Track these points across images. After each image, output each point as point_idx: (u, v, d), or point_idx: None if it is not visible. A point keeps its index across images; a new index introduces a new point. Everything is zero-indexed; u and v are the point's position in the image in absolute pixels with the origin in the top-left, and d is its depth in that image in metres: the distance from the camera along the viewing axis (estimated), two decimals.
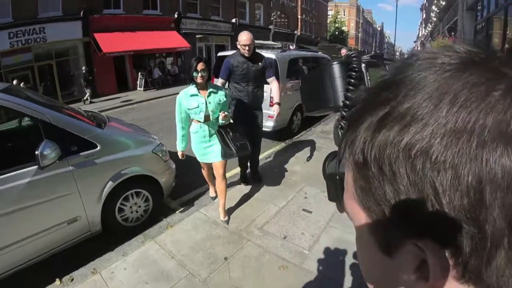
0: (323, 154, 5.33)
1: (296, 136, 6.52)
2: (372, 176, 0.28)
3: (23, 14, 11.57)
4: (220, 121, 3.08)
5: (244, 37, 3.65)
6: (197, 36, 19.18)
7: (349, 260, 2.73)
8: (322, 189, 4.07)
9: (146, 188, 3.38)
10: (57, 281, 2.60)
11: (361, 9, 70.87)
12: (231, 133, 3.18)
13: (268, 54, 6.54)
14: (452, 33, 17.75)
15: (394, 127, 0.26)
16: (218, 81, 3.84)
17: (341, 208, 0.39)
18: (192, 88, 3.02)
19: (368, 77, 0.55)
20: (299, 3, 33.85)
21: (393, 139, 0.26)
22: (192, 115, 3.09)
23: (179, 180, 3.91)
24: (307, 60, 7.70)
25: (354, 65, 0.53)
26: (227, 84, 3.91)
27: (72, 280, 2.62)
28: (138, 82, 15.22)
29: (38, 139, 2.43)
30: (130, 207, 3.27)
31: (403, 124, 0.26)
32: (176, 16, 17.33)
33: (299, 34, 33.25)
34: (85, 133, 2.81)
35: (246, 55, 3.70)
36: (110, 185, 2.97)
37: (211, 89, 3.08)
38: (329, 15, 48.80)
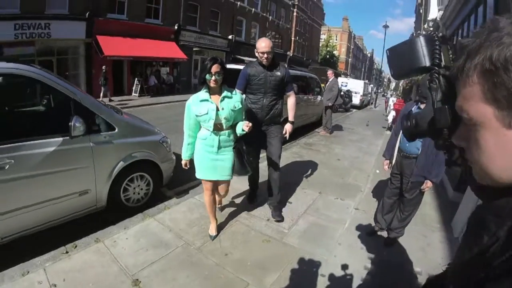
0: (305, 160, 5.96)
1: (283, 146, 7.10)
2: (502, 75, 0.43)
3: (31, 8, 11.86)
4: (240, 131, 2.81)
5: (263, 44, 3.34)
6: (194, 49, 19.85)
7: (320, 237, 3.29)
8: (302, 186, 4.65)
9: (149, 173, 3.77)
10: (62, 248, 2.84)
11: (353, 35, 72.90)
12: (245, 148, 2.97)
13: None
14: None
15: (507, 43, 0.43)
16: None
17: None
18: (202, 93, 2.71)
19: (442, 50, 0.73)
20: (294, 25, 35.14)
21: (505, 51, 0.42)
22: (202, 123, 2.78)
23: (175, 174, 4.27)
24: (298, 79, 8.51)
25: (435, 38, 0.72)
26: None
27: (76, 247, 2.86)
28: (133, 88, 15.57)
29: (66, 115, 2.83)
30: (134, 188, 3.64)
31: (500, 40, 0.43)
32: (176, 27, 17.98)
33: (291, 55, 34.36)
34: (106, 116, 3.22)
35: (265, 63, 3.39)
36: (121, 165, 3.36)
37: (225, 94, 2.77)
38: (322, 38, 50.27)
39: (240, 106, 2.86)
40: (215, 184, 3.07)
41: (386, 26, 27.94)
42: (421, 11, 22.53)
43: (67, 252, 2.77)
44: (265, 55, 3.32)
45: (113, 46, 14.01)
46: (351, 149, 7.73)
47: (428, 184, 2.91)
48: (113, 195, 3.44)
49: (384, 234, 3.43)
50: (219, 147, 2.82)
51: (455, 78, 0.53)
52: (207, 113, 2.68)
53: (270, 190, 3.72)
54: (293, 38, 35.27)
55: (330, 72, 9.61)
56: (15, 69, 2.61)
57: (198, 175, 2.94)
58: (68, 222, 3.13)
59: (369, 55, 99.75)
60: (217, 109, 2.71)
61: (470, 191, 3.52)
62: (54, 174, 2.82)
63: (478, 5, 6.50)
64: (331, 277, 2.69)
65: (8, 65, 2.61)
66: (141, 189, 3.76)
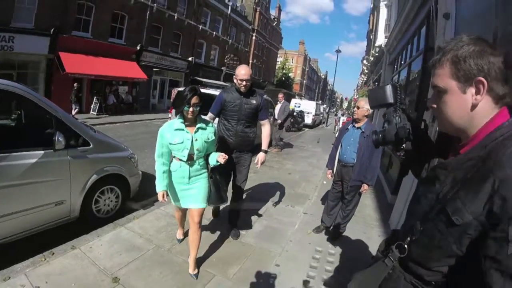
0: (259, 175, 6.60)
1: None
2: (462, 64, 0.89)
3: None
4: (214, 163, 2.84)
5: (243, 71, 3.36)
6: (154, 69, 20.06)
7: (273, 237, 3.87)
8: (257, 198, 5.25)
9: (118, 186, 4.09)
10: (40, 255, 2.99)
11: (308, 58, 76.42)
12: (218, 177, 3.04)
13: (217, 92, 7.84)
14: (376, 83, 20.91)
15: (466, 48, 0.90)
16: (207, 116, 3.45)
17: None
18: (177, 122, 2.68)
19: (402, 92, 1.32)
20: (252, 49, 36.53)
21: (464, 51, 0.89)
22: (174, 152, 2.74)
23: (140, 188, 4.60)
24: None
25: (397, 86, 1.28)
26: (216, 120, 3.65)
27: (53, 254, 3.03)
28: (92, 106, 15.34)
29: (48, 130, 3.14)
30: (105, 200, 3.93)
31: (462, 46, 0.91)
32: (138, 48, 18.16)
33: None
34: (82, 132, 3.54)
35: (243, 90, 3.41)
36: (94, 177, 3.65)
37: (200, 125, 2.76)
38: (278, 61, 52.35)
39: (213, 137, 2.86)
40: (185, 209, 3.07)
41: (338, 51, 30.13)
42: (371, 37, 24.67)
43: (45, 259, 2.95)
44: (244, 83, 3.35)
45: (75, 63, 13.90)
46: (302, 164, 8.49)
47: (365, 187, 3.60)
48: (85, 206, 3.66)
49: (329, 231, 4.08)
50: (189, 177, 2.80)
51: (432, 67, 1.00)
52: (182, 143, 2.66)
53: (231, 215, 3.86)
54: (250, 61, 36.49)
55: (281, 96, 10.18)
56: (2, 84, 2.82)
57: (172, 201, 2.97)
58: (35, 234, 3.27)
59: (323, 76, 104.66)
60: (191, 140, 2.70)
61: (403, 193, 4.30)
62: (34, 185, 3.04)
63: (414, 36, 7.64)
64: (284, 266, 3.24)
65: (4, 82, 2.83)
66: (111, 201, 4.04)
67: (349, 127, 3.75)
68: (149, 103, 20.80)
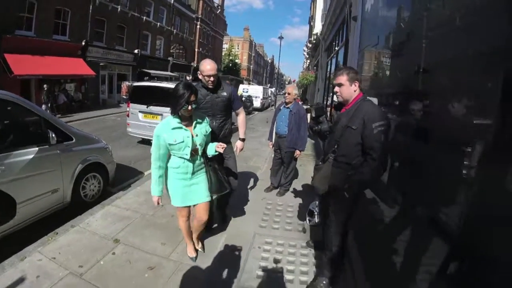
0: None
1: None
2: (348, 74, 2.54)
3: None
4: (213, 153, 2.85)
5: (208, 67, 3.19)
6: (100, 64, 19.81)
7: (234, 197, 4.84)
8: None
9: (99, 173, 4.81)
10: (45, 237, 3.47)
11: (254, 43, 77.47)
12: (217, 166, 3.01)
13: (171, 85, 8.41)
14: (315, 67, 22.65)
15: (346, 72, 2.59)
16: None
17: None
18: (173, 121, 2.63)
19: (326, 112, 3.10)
20: (197, 37, 36.57)
21: (353, 71, 2.61)
22: (175, 151, 2.67)
23: (115, 176, 5.34)
24: None
25: (323, 105, 2.81)
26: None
27: (57, 233, 3.55)
28: (43, 107, 14.96)
29: (39, 130, 3.75)
30: (90, 186, 4.63)
31: (350, 69, 2.69)
32: (83, 43, 17.84)
33: (195, 65, 35.44)
34: (66, 129, 4.19)
35: (210, 86, 3.29)
36: (80, 167, 4.32)
37: (197, 120, 2.75)
38: (224, 48, 52.81)
39: (210, 129, 2.87)
40: (190, 210, 3.06)
41: (281, 37, 31.36)
42: (311, 23, 26.16)
43: (51, 238, 3.44)
44: (211, 78, 3.21)
45: (22, 64, 13.50)
46: (253, 143, 9.62)
47: (297, 152, 4.77)
48: (75, 192, 4.30)
49: (277, 190, 5.26)
50: (193, 172, 2.79)
51: (335, 75, 2.65)
52: (182, 141, 2.61)
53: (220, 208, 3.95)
54: (196, 50, 36.63)
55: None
56: (4, 94, 3.42)
57: (174, 203, 2.87)
58: (24, 228, 3.61)
59: (270, 61, 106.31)
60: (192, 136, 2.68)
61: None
62: (33, 176, 3.56)
63: (339, 29, 8.92)
64: (245, 216, 4.30)
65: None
66: (95, 186, 4.74)
67: (281, 107, 4.96)
68: (99, 99, 20.56)
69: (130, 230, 3.79)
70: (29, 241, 3.40)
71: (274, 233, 3.95)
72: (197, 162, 2.80)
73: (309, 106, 11.52)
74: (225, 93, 3.42)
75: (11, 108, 3.59)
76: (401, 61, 3.15)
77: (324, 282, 2.83)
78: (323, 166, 2.74)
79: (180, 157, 2.70)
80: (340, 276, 2.98)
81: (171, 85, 8.70)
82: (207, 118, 2.94)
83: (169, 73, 27.69)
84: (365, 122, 2.29)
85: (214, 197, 3.03)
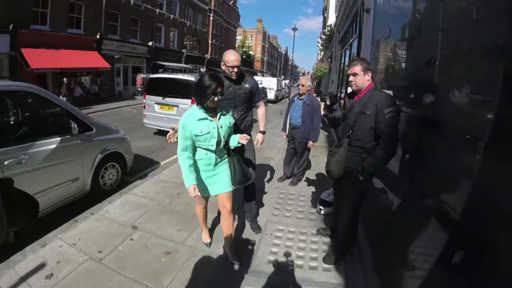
0: None
1: None
2: (367, 65, 2.72)
3: None
4: (236, 144, 2.80)
5: (233, 57, 3.15)
6: (115, 57, 20.12)
7: None
8: None
9: (117, 163, 4.97)
10: (65, 224, 3.61)
11: (267, 34, 77.03)
12: (239, 157, 3.01)
13: (187, 77, 8.66)
14: (329, 59, 22.42)
15: (359, 63, 2.75)
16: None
17: None
18: (198, 112, 2.59)
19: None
20: (210, 29, 36.59)
21: (365, 62, 2.77)
22: (201, 143, 2.65)
23: (133, 165, 5.49)
24: None
25: (335, 94, 2.87)
26: None
27: (77, 221, 3.70)
28: (63, 99, 15.36)
29: (62, 121, 3.88)
30: (108, 175, 4.80)
31: (364, 60, 2.87)
32: (98, 36, 18.13)
33: (209, 57, 35.89)
34: (87, 120, 4.34)
35: (234, 77, 3.23)
36: (99, 156, 4.49)
37: (221, 111, 2.72)
38: (238, 39, 52.53)
39: (233, 121, 2.84)
40: (208, 200, 3.14)
41: (295, 29, 31.26)
42: (325, 14, 25.85)
43: (72, 226, 3.59)
44: (235, 69, 3.17)
45: (39, 58, 13.80)
46: (266, 134, 9.47)
47: (310, 143, 4.83)
48: (94, 181, 4.47)
49: (290, 180, 5.37)
50: (215, 164, 2.80)
51: (349, 65, 2.81)
52: (209, 132, 2.59)
53: (246, 198, 3.81)
54: (210, 42, 36.69)
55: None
56: (27, 87, 3.58)
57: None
58: (43, 217, 3.71)
59: (283, 52, 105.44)
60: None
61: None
62: (55, 166, 3.72)
63: (353, 22, 8.84)
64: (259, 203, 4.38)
65: (23, 84, 3.60)
66: (113, 175, 4.91)
67: (295, 99, 5.01)
68: (115, 91, 20.93)
69: (147, 217, 3.94)
70: (49, 229, 3.52)
71: (286, 221, 4.06)
72: (220, 153, 2.80)
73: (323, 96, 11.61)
74: (247, 85, 3.38)
75: (35, 99, 3.74)
76: (413, 54, 3.22)
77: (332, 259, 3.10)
78: (337, 151, 2.92)
79: (205, 148, 2.69)
80: (348, 257, 3.17)
81: (186, 77, 8.82)
82: (231, 109, 2.93)
83: (183, 65, 27.91)
84: (378, 108, 2.47)
85: (237, 187, 2.99)
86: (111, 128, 5.08)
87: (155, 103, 8.83)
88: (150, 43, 23.74)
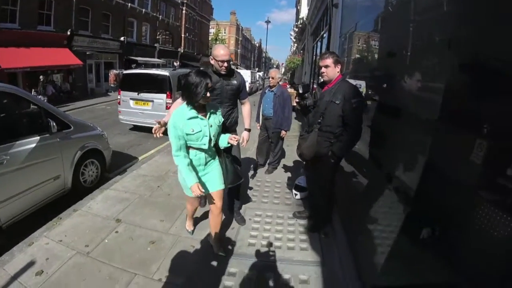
0: None
1: None
2: (336, 58, 3.07)
3: None
4: (225, 145, 2.79)
5: (222, 51, 3.09)
6: (87, 53, 19.59)
7: None
8: None
9: (97, 159, 5.02)
10: (49, 222, 3.63)
11: (241, 27, 76.54)
12: (231, 158, 3.03)
13: (161, 72, 8.72)
14: (302, 51, 22.82)
15: (329, 56, 3.10)
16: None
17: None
18: (188, 110, 2.51)
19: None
20: (183, 23, 36.00)
21: (335, 55, 3.12)
22: (192, 142, 2.58)
23: (110, 163, 5.55)
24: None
25: (307, 84, 3.09)
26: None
27: (61, 218, 3.73)
28: (40, 97, 14.87)
29: (40, 120, 3.88)
30: (88, 172, 4.85)
31: (335, 53, 3.26)
32: (69, 33, 17.56)
33: (182, 51, 35.49)
34: (64, 118, 4.37)
35: (223, 72, 3.16)
36: (78, 153, 4.52)
37: (211, 110, 2.66)
38: (211, 33, 51.89)
39: (222, 119, 2.79)
40: (198, 198, 3.14)
41: (268, 21, 31.38)
42: (298, 7, 26.07)
43: (56, 223, 3.62)
44: (225, 64, 3.11)
45: (9, 57, 13.30)
46: (241, 126, 9.74)
47: (283, 132, 5.10)
48: (75, 178, 4.50)
49: (265, 168, 5.64)
50: (206, 163, 2.76)
51: (321, 57, 3.15)
52: (200, 131, 2.53)
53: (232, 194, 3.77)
54: (183, 35, 36.16)
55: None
56: (5, 87, 3.57)
57: (188, 193, 2.81)
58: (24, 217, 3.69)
59: (257, 45, 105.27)
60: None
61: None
62: (36, 164, 3.73)
63: (324, 15, 9.09)
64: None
65: (0, 85, 3.55)
66: (93, 172, 4.96)
67: (266, 91, 5.30)
68: (87, 88, 20.36)
69: (130, 210, 4.05)
70: (32, 229, 3.54)
71: (264, 206, 4.31)
72: (209, 152, 2.74)
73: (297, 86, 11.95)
74: (235, 82, 3.31)
75: (12, 99, 3.75)
76: (377, 46, 3.53)
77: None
78: (308, 136, 3.26)
79: (196, 148, 2.63)
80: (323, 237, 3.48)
81: (161, 71, 8.86)
82: (218, 107, 2.84)
83: (156, 59, 27.48)
84: (345, 98, 2.83)
85: (228, 186, 3.00)
86: (88, 125, 5.11)
87: (130, 98, 8.84)
88: (122, 38, 23.19)
